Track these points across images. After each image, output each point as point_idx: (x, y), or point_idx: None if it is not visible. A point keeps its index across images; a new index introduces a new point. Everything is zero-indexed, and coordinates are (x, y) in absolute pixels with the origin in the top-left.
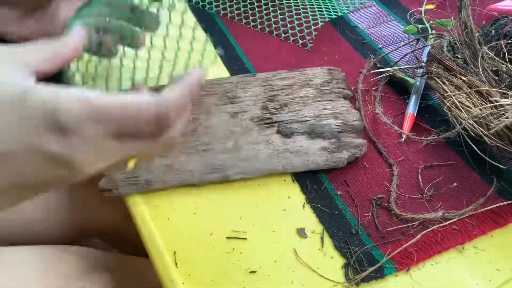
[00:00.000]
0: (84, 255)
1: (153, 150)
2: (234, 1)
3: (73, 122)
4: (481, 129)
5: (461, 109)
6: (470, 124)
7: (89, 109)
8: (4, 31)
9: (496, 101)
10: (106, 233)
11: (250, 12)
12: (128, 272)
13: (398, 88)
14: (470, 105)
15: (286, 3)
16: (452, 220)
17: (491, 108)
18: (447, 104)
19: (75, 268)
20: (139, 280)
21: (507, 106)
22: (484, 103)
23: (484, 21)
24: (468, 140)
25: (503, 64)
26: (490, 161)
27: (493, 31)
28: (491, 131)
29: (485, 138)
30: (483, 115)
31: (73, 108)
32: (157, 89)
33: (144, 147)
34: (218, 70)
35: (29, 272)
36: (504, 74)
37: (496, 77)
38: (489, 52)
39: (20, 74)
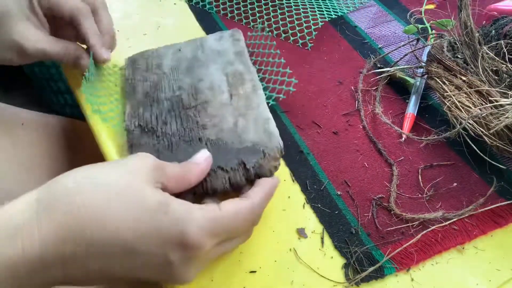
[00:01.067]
0: None
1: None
2: (234, 1)
3: (195, 244)
4: (481, 129)
5: (461, 109)
6: (470, 124)
7: (211, 230)
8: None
9: (496, 101)
10: None
11: (250, 12)
12: None
13: (398, 88)
14: (470, 105)
15: (286, 3)
16: (452, 220)
17: (491, 108)
18: (447, 104)
19: None
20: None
21: (507, 106)
22: (484, 103)
23: (484, 21)
24: (468, 140)
25: (503, 64)
26: (490, 161)
27: (493, 31)
28: (491, 131)
29: (485, 138)
30: (483, 115)
31: (199, 233)
32: None
33: (231, 247)
34: None
35: None
36: (504, 74)
37: (496, 77)
38: (489, 52)
39: (158, 191)
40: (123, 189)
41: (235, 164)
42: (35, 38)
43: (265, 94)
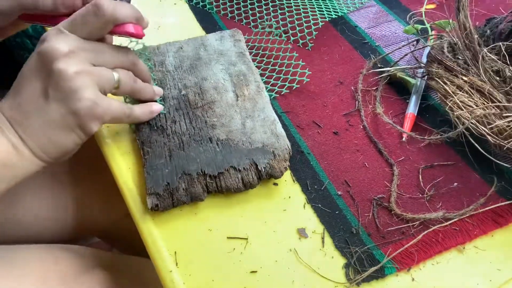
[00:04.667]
0: (83, 254)
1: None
2: (234, 1)
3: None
4: (484, 128)
5: (463, 108)
6: (472, 123)
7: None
8: None
9: (502, 103)
10: (106, 232)
11: (250, 12)
12: (127, 272)
13: (399, 88)
14: (472, 105)
15: (286, 3)
16: (452, 220)
17: (494, 108)
18: (449, 104)
19: (75, 267)
20: (139, 279)
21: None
22: (486, 103)
23: (477, 22)
24: (471, 139)
25: (506, 66)
26: (495, 160)
27: (488, 31)
28: (494, 130)
29: (488, 137)
30: (485, 114)
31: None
32: None
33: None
34: None
35: (28, 271)
36: (508, 79)
37: (497, 78)
38: (490, 54)
39: None
40: None
41: (247, 164)
42: None
43: (277, 85)
